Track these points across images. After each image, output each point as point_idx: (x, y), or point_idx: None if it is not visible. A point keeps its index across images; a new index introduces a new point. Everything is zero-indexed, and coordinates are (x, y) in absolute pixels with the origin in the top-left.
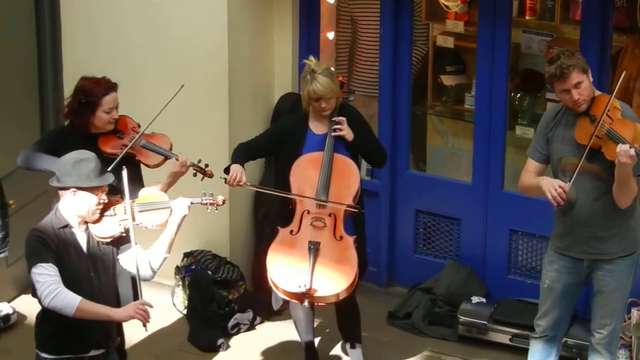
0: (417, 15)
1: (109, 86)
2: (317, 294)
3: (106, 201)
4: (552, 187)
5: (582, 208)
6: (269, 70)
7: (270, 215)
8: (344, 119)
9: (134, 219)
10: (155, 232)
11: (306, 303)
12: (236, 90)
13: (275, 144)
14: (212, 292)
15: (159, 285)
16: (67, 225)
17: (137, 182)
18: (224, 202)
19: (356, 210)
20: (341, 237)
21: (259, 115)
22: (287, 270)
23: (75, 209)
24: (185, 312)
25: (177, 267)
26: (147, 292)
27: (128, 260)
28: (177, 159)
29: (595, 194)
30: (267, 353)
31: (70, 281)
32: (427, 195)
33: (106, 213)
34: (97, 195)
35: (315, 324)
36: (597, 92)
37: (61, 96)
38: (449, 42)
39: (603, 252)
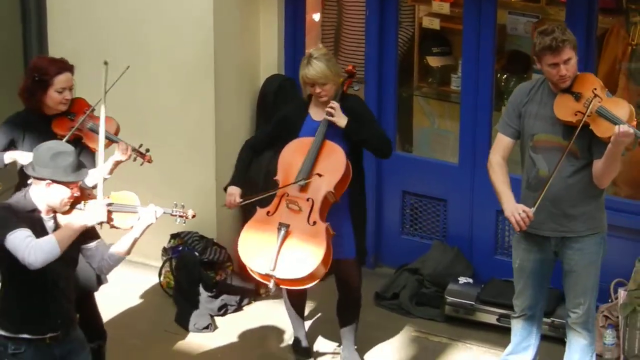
0: None
1: (64, 66)
2: (279, 276)
3: (78, 194)
4: (516, 212)
5: (554, 185)
6: (255, 51)
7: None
8: (337, 104)
9: None
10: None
11: (271, 284)
12: (222, 72)
13: (278, 131)
14: (199, 273)
15: (146, 266)
16: (35, 210)
17: (90, 166)
18: (193, 217)
19: (334, 200)
20: (314, 223)
21: (245, 97)
22: (254, 249)
23: (46, 199)
24: (172, 293)
25: (164, 249)
26: (134, 273)
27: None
28: (118, 145)
29: (568, 172)
30: (254, 334)
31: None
32: (413, 176)
33: (77, 206)
34: (71, 189)
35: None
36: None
37: None
38: (434, 24)
39: (570, 230)
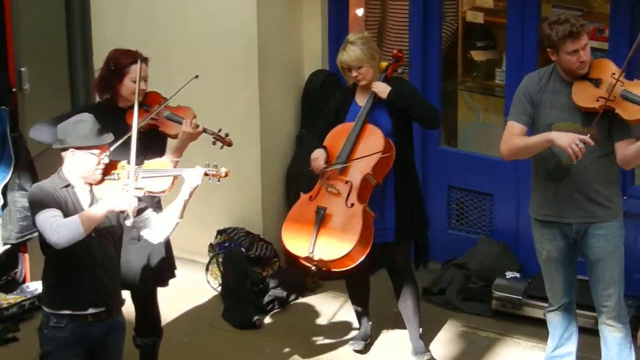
0: None
1: (138, 56)
2: (319, 258)
3: (107, 162)
4: (574, 143)
5: (578, 172)
6: (299, 46)
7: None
8: (380, 82)
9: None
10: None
11: (313, 267)
12: (266, 66)
13: (332, 120)
14: (245, 269)
15: (193, 262)
16: (69, 185)
17: (160, 153)
18: (226, 175)
19: (375, 182)
20: (352, 205)
21: (289, 93)
22: (295, 234)
23: (76, 170)
24: (219, 289)
25: (211, 245)
26: (181, 269)
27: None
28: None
29: (590, 158)
30: (301, 329)
31: None
32: (459, 171)
33: (110, 176)
34: (97, 155)
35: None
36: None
37: (91, 74)
38: (478, 18)
39: (596, 215)
